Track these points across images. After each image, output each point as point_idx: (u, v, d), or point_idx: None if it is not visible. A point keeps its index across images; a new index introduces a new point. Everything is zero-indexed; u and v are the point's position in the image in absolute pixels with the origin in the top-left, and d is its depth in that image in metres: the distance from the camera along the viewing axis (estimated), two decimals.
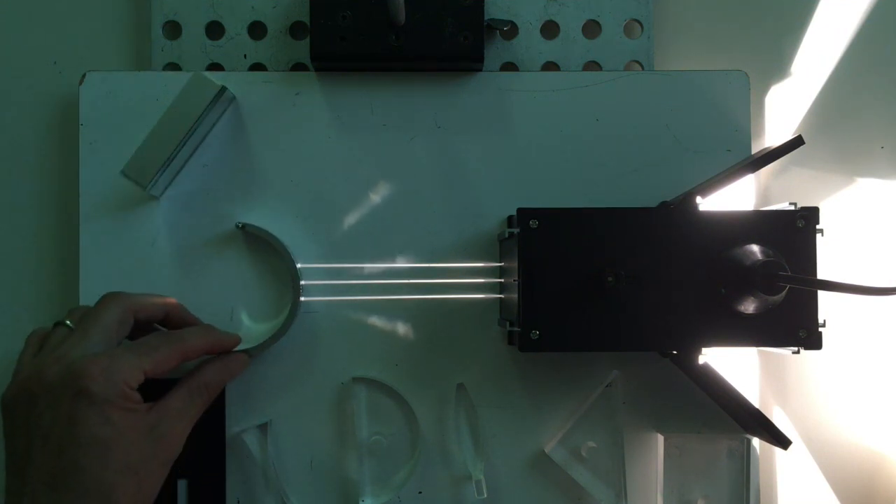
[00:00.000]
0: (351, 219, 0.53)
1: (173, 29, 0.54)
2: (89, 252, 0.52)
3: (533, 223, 0.47)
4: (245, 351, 0.50)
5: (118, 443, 0.40)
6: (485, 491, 0.52)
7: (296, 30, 0.55)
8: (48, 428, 0.40)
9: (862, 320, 0.56)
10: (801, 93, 0.57)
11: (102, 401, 0.40)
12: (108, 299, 0.45)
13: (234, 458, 0.52)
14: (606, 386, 0.53)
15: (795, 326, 0.47)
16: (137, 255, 0.52)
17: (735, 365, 0.54)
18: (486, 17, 0.52)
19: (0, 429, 0.43)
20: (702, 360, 0.48)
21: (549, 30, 0.55)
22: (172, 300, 0.49)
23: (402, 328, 0.53)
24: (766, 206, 0.55)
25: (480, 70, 0.53)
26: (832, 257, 0.55)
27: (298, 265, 0.51)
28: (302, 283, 0.52)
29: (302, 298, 0.52)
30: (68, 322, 0.45)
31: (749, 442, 0.52)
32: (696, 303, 0.47)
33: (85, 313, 0.45)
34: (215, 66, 0.54)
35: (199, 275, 0.52)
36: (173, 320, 0.48)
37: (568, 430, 0.53)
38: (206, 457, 0.51)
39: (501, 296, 0.53)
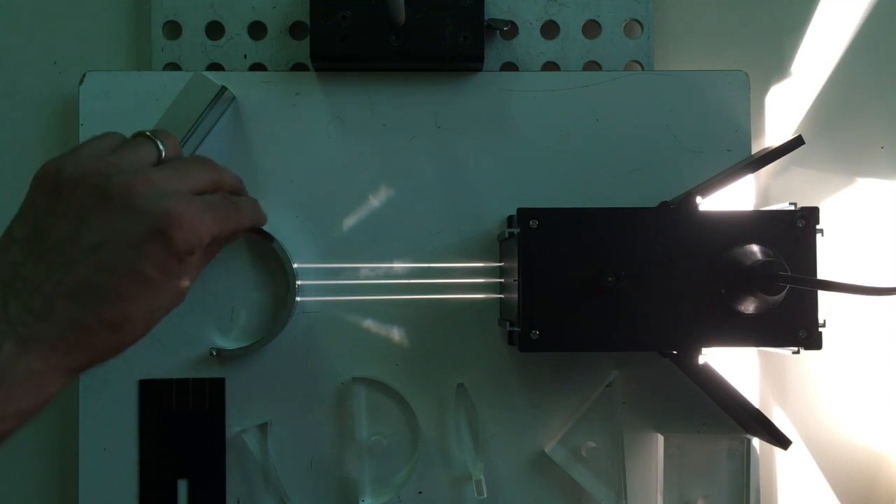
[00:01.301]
0: (351, 219, 0.53)
1: (173, 29, 0.54)
2: None
3: (533, 223, 0.47)
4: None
5: (159, 289, 0.38)
6: (485, 491, 0.52)
7: (296, 30, 0.55)
8: (106, 242, 0.37)
9: (862, 320, 0.56)
10: (801, 93, 0.57)
11: (175, 250, 0.37)
12: (202, 161, 0.43)
13: (234, 458, 0.52)
14: (606, 386, 0.53)
15: (795, 326, 0.47)
16: None
17: (735, 365, 0.54)
18: (486, 17, 0.52)
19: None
20: (702, 360, 0.48)
21: (549, 30, 0.55)
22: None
23: (401, 328, 0.53)
24: (766, 206, 0.55)
25: (480, 70, 0.53)
26: (832, 257, 0.55)
27: (298, 265, 0.52)
28: (302, 283, 0.52)
29: (302, 298, 0.52)
30: (158, 141, 0.41)
31: (749, 442, 0.52)
32: (696, 303, 0.47)
33: (177, 154, 0.42)
34: (215, 66, 0.54)
35: (199, 275, 0.52)
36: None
37: (568, 430, 0.53)
38: (206, 457, 0.51)
39: (501, 296, 0.53)
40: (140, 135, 0.42)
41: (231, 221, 0.42)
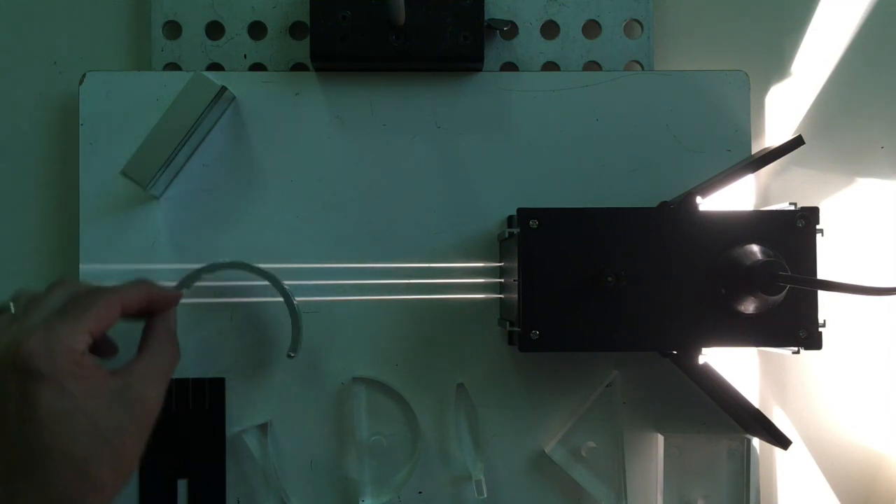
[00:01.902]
0: (351, 218, 0.53)
1: (173, 29, 0.54)
2: (89, 252, 0.52)
3: (533, 223, 0.47)
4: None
5: (82, 413, 0.38)
6: (485, 491, 0.52)
7: (296, 30, 0.55)
8: (2, 419, 0.37)
9: (862, 320, 0.56)
10: (801, 93, 0.57)
11: (52, 374, 0.37)
12: (53, 285, 0.42)
13: (234, 458, 0.52)
14: (606, 386, 0.53)
15: (795, 326, 0.47)
16: (137, 255, 0.52)
17: (735, 365, 0.54)
18: (486, 17, 0.52)
19: None
20: (702, 360, 0.48)
21: (549, 30, 0.55)
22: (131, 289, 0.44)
23: (402, 328, 0.53)
24: (766, 206, 0.55)
25: (480, 70, 0.53)
26: (832, 257, 0.55)
27: (299, 265, 0.52)
28: (302, 283, 0.52)
29: (302, 298, 0.52)
30: (11, 303, 0.41)
31: (749, 442, 0.52)
32: (696, 303, 0.47)
33: (30, 298, 0.42)
34: (215, 66, 0.54)
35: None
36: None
37: (568, 430, 0.53)
38: (206, 457, 0.51)
39: (501, 296, 0.53)
40: None
41: (103, 303, 0.40)
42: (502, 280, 0.52)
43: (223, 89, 0.50)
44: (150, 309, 0.44)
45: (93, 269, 0.52)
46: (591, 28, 0.55)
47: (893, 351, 0.56)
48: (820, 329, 0.47)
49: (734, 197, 0.54)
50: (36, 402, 0.37)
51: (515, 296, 0.47)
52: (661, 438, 0.53)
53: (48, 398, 0.37)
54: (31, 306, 0.40)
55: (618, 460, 0.53)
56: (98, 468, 0.38)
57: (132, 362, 0.42)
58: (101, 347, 0.44)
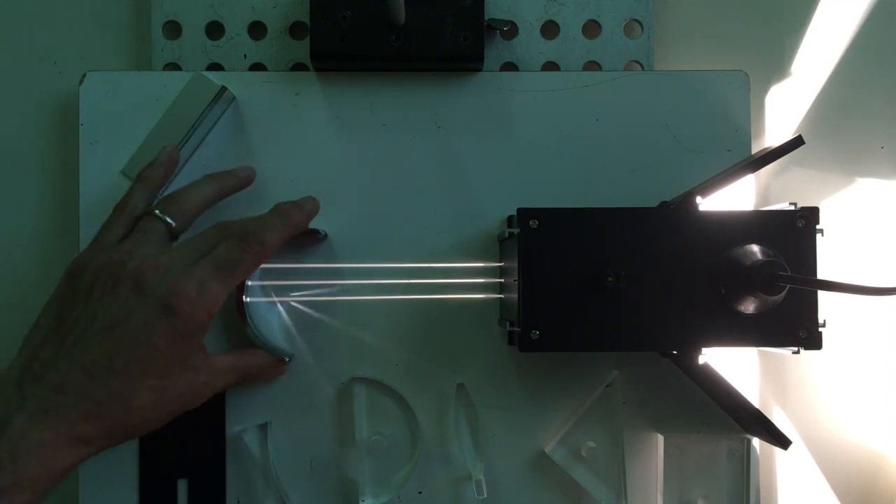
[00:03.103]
0: (351, 218, 0.53)
1: (173, 29, 0.54)
2: None
3: (533, 223, 0.47)
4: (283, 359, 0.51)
5: (168, 367, 0.41)
6: (485, 491, 0.52)
7: (296, 30, 0.55)
8: (117, 320, 0.40)
9: (862, 320, 0.56)
10: (801, 93, 0.57)
11: (183, 328, 0.41)
12: (218, 230, 0.45)
13: (234, 458, 0.52)
14: (606, 386, 0.53)
15: (795, 326, 0.47)
16: None
17: (735, 365, 0.54)
18: (486, 17, 0.52)
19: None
20: (702, 360, 0.48)
21: (549, 30, 0.55)
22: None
23: (402, 328, 0.53)
24: (766, 206, 0.55)
25: (480, 70, 0.53)
26: (832, 257, 0.55)
27: (299, 265, 0.52)
28: (302, 283, 0.52)
29: (303, 298, 0.52)
30: (168, 219, 0.45)
31: (749, 442, 0.52)
32: (696, 303, 0.47)
33: (183, 215, 0.46)
34: (215, 66, 0.54)
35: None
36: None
37: (568, 430, 0.53)
38: (206, 457, 0.51)
39: (501, 296, 0.53)
40: (148, 214, 0.45)
41: (250, 263, 0.44)
42: (502, 280, 0.52)
43: (223, 89, 0.50)
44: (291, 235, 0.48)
45: None
46: (591, 28, 0.55)
47: (893, 351, 0.56)
48: (820, 329, 0.47)
49: (734, 197, 0.54)
50: (154, 334, 0.40)
51: (515, 296, 0.47)
52: (661, 438, 0.53)
53: (164, 340, 0.41)
54: (195, 246, 0.44)
55: (618, 460, 0.53)
56: (137, 415, 0.41)
57: (218, 356, 0.45)
58: None
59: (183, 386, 0.42)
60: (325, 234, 0.52)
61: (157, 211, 0.45)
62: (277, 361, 0.51)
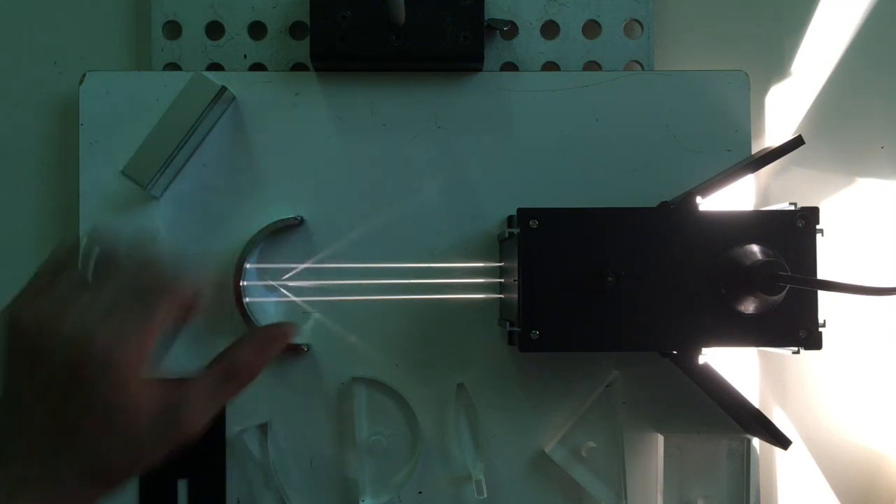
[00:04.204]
0: (351, 218, 0.53)
1: (173, 29, 0.54)
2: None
3: (533, 223, 0.47)
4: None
5: (127, 413, 0.37)
6: (485, 491, 0.52)
7: (296, 30, 0.55)
8: (53, 382, 0.37)
9: (862, 320, 0.56)
10: (801, 93, 0.57)
11: (117, 366, 0.36)
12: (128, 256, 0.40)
13: (234, 458, 0.52)
14: (606, 386, 0.53)
15: (795, 326, 0.47)
16: None
17: (735, 365, 0.54)
18: (486, 17, 0.52)
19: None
20: (702, 360, 0.48)
21: (549, 30, 0.55)
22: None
23: (402, 328, 0.53)
24: (766, 206, 0.55)
25: (480, 70, 0.53)
26: (832, 257, 0.55)
27: (299, 265, 0.52)
28: (302, 283, 0.52)
29: (302, 298, 0.52)
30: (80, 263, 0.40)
31: (749, 442, 0.52)
32: (696, 303, 0.47)
33: (105, 266, 0.40)
34: (215, 66, 0.54)
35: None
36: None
37: (568, 430, 0.53)
38: (206, 457, 0.51)
39: (501, 296, 0.53)
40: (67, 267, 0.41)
41: (171, 294, 0.39)
42: (502, 280, 0.52)
43: (223, 89, 0.50)
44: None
45: None
46: (591, 28, 0.55)
47: (893, 351, 0.56)
48: (820, 329, 0.47)
49: (734, 197, 0.54)
50: (92, 388, 0.36)
51: (515, 296, 0.47)
52: (661, 438, 0.53)
53: (105, 388, 0.36)
54: (109, 279, 0.39)
55: (618, 460, 0.53)
56: (115, 470, 0.37)
57: (193, 381, 0.40)
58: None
59: (161, 428, 0.38)
60: (302, 220, 0.52)
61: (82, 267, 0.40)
62: (278, 331, 0.43)
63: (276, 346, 0.42)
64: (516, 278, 0.47)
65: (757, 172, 0.52)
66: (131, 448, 0.38)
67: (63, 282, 0.40)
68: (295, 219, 0.52)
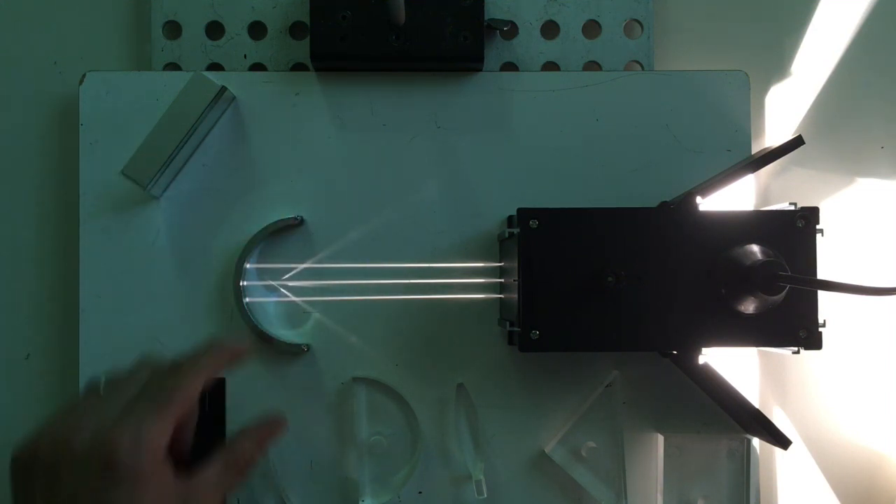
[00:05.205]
0: (351, 218, 0.53)
1: (173, 29, 0.54)
2: (89, 252, 0.52)
3: (533, 223, 0.47)
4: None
5: None
6: (485, 491, 0.52)
7: (296, 30, 0.55)
8: (74, 493, 0.37)
9: (862, 320, 0.56)
10: (801, 93, 0.57)
11: (133, 474, 0.37)
12: (141, 367, 0.42)
13: None
14: (606, 386, 0.53)
15: (795, 326, 0.47)
16: (137, 255, 0.52)
17: (735, 365, 0.54)
18: (486, 17, 0.52)
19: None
20: (702, 360, 0.48)
21: (549, 30, 0.55)
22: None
23: (402, 328, 0.53)
24: (766, 206, 0.55)
25: (480, 70, 0.53)
26: (832, 257, 0.55)
27: (299, 265, 0.52)
28: (302, 283, 0.52)
29: (303, 298, 0.52)
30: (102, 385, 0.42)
31: (749, 442, 0.52)
32: (696, 303, 0.47)
33: (117, 380, 0.42)
34: (215, 66, 0.54)
35: (199, 274, 0.52)
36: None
37: (568, 430, 0.53)
38: (206, 457, 0.51)
39: (501, 296, 0.53)
40: (87, 392, 0.42)
41: (179, 394, 0.40)
42: (502, 280, 0.52)
43: (223, 89, 0.50)
44: (228, 365, 0.44)
45: (93, 269, 0.52)
46: (591, 28, 0.55)
47: (893, 351, 0.56)
48: (820, 329, 0.47)
49: (734, 197, 0.54)
50: (109, 497, 0.37)
51: (515, 296, 0.47)
52: (661, 438, 0.53)
53: (124, 496, 0.37)
54: (119, 390, 0.41)
55: (618, 460, 0.53)
56: None
57: (204, 470, 0.41)
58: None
59: None
60: (302, 219, 0.52)
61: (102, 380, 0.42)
62: (273, 422, 0.46)
63: (273, 437, 0.45)
64: (516, 278, 0.47)
65: (757, 172, 0.52)
66: None
67: (73, 408, 0.41)
68: (295, 219, 0.52)
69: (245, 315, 0.51)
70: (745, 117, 0.54)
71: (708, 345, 0.47)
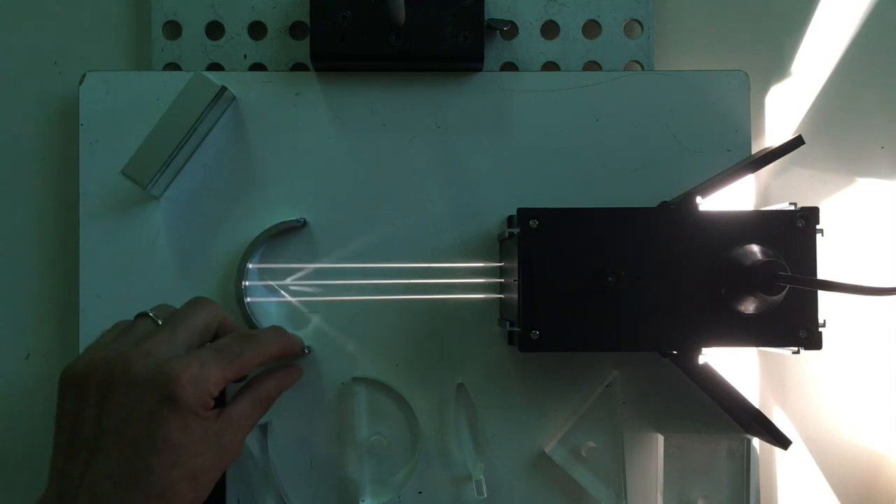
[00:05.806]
0: (351, 219, 0.53)
1: (173, 29, 0.54)
2: (89, 252, 0.52)
3: (533, 223, 0.47)
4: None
5: (190, 450, 0.40)
6: (485, 491, 0.52)
7: (296, 30, 0.55)
8: (124, 422, 0.39)
9: (862, 320, 0.56)
10: (801, 93, 0.57)
11: (187, 409, 0.39)
12: (197, 304, 0.44)
13: None
14: (606, 386, 0.53)
15: (795, 326, 0.47)
16: (137, 255, 0.52)
17: (735, 365, 0.54)
18: (486, 17, 0.52)
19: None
20: (702, 360, 0.48)
21: (549, 30, 0.55)
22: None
23: (402, 328, 0.53)
24: (766, 206, 0.55)
25: (480, 70, 0.53)
26: (832, 257, 0.55)
27: (299, 265, 0.52)
28: (302, 283, 0.52)
29: (303, 299, 0.52)
30: (152, 314, 0.44)
31: (749, 442, 0.52)
32: (696, 303, 0.47)
33: (173, 312, 0.44)
34: (215, 66, 0.54)
35: (199, 275, 0.52)
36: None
37: (568, 430, 0.53)
38: None
39: (501, 296, 0.53)
40: (140, 316, 0.44)
41: (249, 356, 0.43)
42: (502, 280, 0.52)
43: (223, 89, 0.50)
44: (284, 356, 0.48)
45: (93, 270, 0.52)
46: (591, 28, 0.55)
47: (893, 351, 0.56)
48: (820, 329, 0.47)
49: (734, 197, 0.54)
50: (162, 426, 0.39)
51: (515, 296, 0.47)
52: (661, 438, 0.53)
53: (173, 428, 0.39)
54: (178, 321, 0.43)
55: (618, 460, 0.53)
56: (181, 502, 0.40)
57: (232, 406, 0.43)
58: None
59: (213, 456, 0.41)
60: (305, 222, 0.52)
61: (150, 313, 0.44)
62: (290, 368, 0.49)
63: (291, 380, 0.49)
64: (516, 278, 0.47)
65: (757, 172, 0.52)
66: (196, 485, 0.40)
67: (126, 330, 0.43)
68: (298, 221, 0.52)
69: (246, 315, 0.51)
70: (745, 117, 0.54)
71: (708, 345, 0.47)
